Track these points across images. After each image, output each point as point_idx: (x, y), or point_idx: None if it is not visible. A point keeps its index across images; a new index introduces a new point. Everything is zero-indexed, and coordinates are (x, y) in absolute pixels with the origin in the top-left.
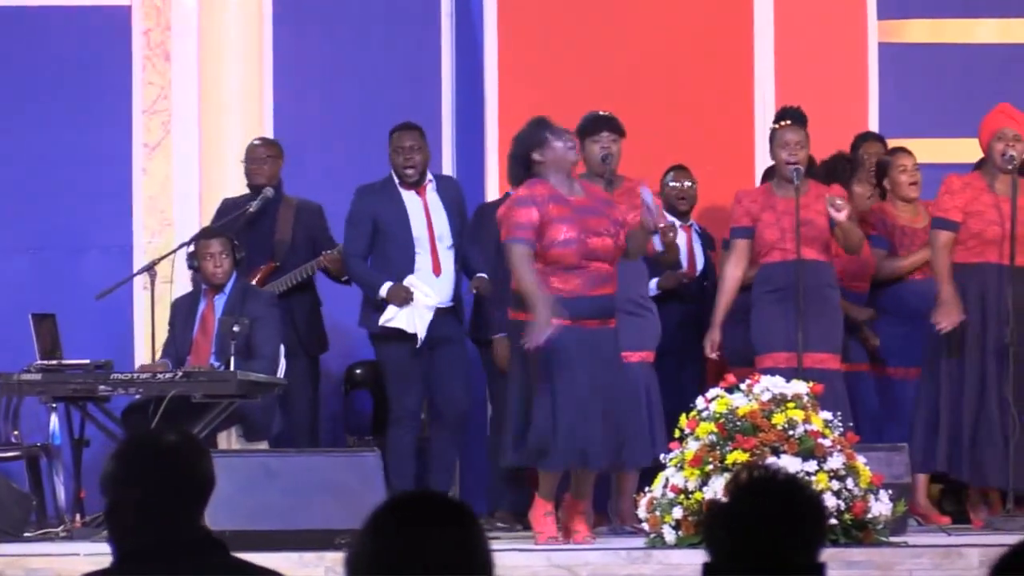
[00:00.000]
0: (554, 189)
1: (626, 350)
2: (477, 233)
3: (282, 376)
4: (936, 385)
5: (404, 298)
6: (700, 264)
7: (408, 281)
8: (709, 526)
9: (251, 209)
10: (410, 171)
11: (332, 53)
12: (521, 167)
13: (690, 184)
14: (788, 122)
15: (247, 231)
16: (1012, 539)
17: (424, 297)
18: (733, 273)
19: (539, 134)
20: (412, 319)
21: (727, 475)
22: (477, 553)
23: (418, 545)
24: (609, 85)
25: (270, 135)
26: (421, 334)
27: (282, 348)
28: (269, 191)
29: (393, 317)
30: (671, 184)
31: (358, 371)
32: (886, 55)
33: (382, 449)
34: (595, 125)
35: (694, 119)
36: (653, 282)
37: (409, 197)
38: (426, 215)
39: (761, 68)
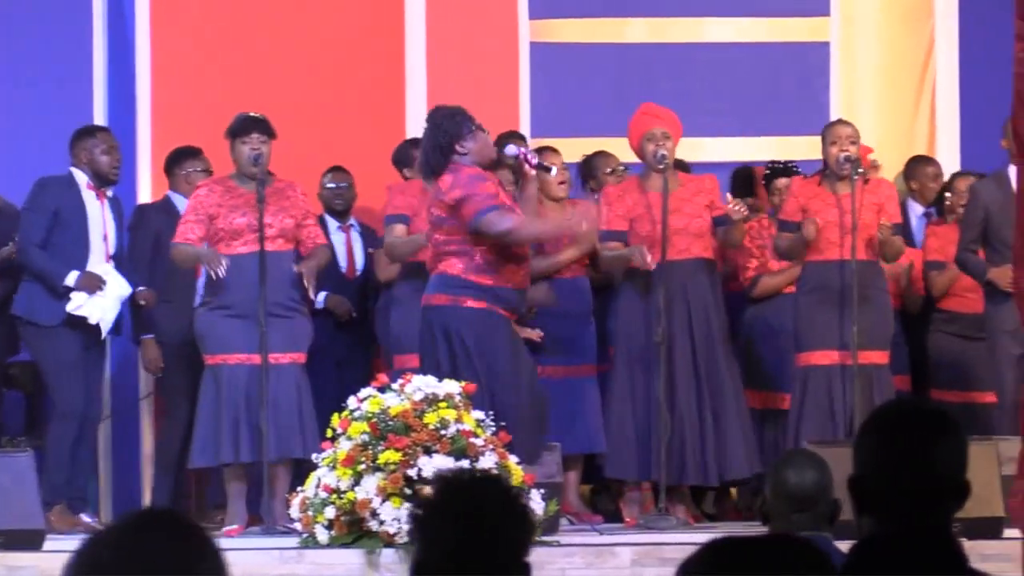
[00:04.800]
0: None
1: (276, 351)
2: (136, 233)
3: None
4: (619, 386)
5: (96, 285)
6: (360, 263)
7: (102, 270)
8: (419, 525)
9: None
10: (116, 173)
11: None
12: (442, 156)
13: (347, 184)
14: None
15: None
16: (663, 537)
17: (117, 287)
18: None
19: (466, 125)
20: (99, 309)
21: (379, 475)
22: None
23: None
24: (262, 86)
25: None
26: (107, 326)
27: None
28: None
29: (82, 305)
30: (328, 186)
31: (12, 371)
32: (537, 54)
33: (36, 449)
34: (245, 126)
35: (347, 119)
36: (322, 295)
37: (89, 196)
38: (103, 215)
39: (413, 67)
